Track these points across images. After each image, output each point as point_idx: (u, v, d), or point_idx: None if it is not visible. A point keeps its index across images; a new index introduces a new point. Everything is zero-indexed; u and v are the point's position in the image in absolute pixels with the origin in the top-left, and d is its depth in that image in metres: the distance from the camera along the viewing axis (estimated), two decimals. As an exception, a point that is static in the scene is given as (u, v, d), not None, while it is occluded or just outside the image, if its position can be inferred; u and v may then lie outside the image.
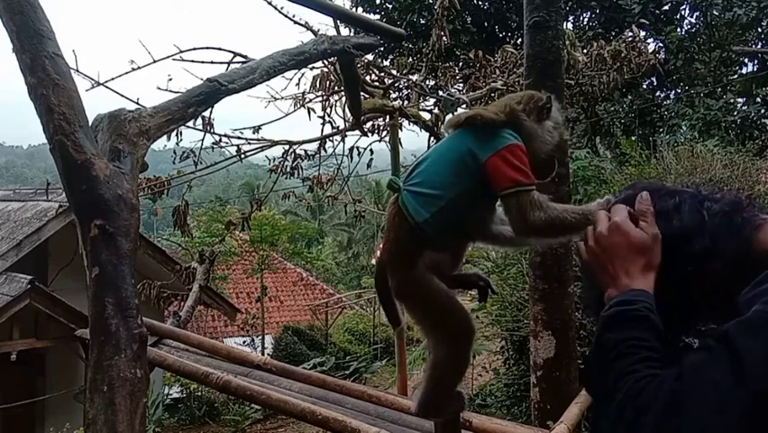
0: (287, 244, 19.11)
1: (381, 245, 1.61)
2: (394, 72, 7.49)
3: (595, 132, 11.62)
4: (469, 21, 12.74)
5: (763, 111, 11.28)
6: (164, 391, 12.43)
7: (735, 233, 1.05)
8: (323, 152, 6.72)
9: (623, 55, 7.36)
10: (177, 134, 5.92)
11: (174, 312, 6.87)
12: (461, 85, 7.52)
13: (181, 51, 5.25)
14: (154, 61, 5.10)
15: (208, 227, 16.19)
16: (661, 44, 11.70)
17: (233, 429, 12.18)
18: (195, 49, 5.33)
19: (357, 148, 6.82)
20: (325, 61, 5.51)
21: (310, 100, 6.40)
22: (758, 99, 11.53)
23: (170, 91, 4.93)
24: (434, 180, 1.43)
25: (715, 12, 11.76)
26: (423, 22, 11.99)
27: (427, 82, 7.26)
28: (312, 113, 6.40)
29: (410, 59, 8.66)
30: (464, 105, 6.20)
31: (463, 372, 1.63)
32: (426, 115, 6.80)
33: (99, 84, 5.07)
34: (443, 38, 6.16)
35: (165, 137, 2.26)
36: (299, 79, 6.24)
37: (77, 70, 4.29)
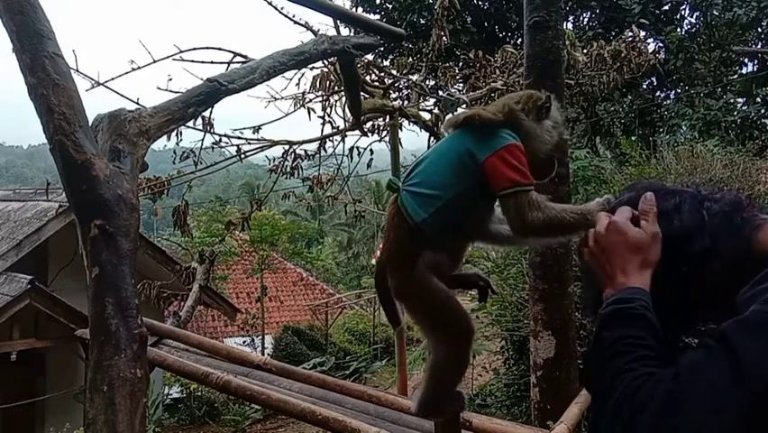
0: (287, 244, 19.11)
1: (381, 245, 1.61)
2: (394, 72, 7.49)
3: (595, 132, 11.62)
4: (469, 21, 12.74)
5: (763, 111, 11.28)
6: (164, 391, 12.44)
7: (734, 233, 1.05)
8: (323, 152, 6.73)
9: (623, 55, 7.36)
10: (177, 134, 5.92)
11: (174, 312, 6.87)
12: (461, 85, 7.52)
13: (181, 51, 5.25)
14: (154, 61, 5.10)
15: (208, 227, 16.19)
16: (661, 44, 11.70)
17: (233, 429, 12.18)
18: (195, 49, 5.33)
19: (357, 148, 6.83)
20: (325, 61, 5.51)
21: (310, 100, 6.40)
22: (758, 99, 11.52)
23: (170, 91, 4.93)
24: (433, 181, 1.43)
25: (715, 12, 11.76)
26: (423, 22, 11.99)
27: (427, 82, 7.26)
28: (312, 113, 6.40)
29: (410, 59, 8.66)
30: (464, 105, 6.20)
31: (463, 372, 1.63)
32: (426, 115, 6.80)
33: (99, 84, 5.07)
34: (443, 38, 6.16)
35: (165, 137, 2.26)
36: (299, 79, 6.25)
37: (77, 70, 4.29)
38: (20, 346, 8.99)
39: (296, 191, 7.94)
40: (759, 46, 12.32)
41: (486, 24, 13.28)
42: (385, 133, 6.59)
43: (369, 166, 7.21)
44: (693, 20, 12.66)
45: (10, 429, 9.88)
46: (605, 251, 1.11)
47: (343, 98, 5.76)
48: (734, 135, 10.39)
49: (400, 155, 6.41)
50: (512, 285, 6.53)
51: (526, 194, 1.36)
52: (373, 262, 18.92)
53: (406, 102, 7.17)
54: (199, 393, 12.64)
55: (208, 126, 6.05)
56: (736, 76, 12.35)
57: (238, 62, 5.26)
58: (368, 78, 6.41)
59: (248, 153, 6.52)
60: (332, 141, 6.63)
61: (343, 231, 28.56)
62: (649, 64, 7.87)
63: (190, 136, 7.24)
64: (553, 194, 3.41)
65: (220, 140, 6.34)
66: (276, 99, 6.43)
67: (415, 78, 7.36)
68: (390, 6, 13.01)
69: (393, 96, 7.08)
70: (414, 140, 7.53)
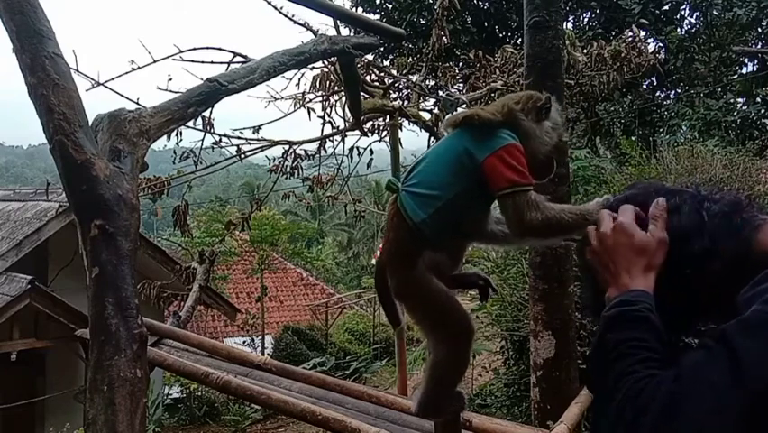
0: (287, 244, 19.11)
1: (381, 245, 1.61)
2: (394, 72, 7.49)
3: (595, 132, 11.62)
4: (469, 21, 12.74)
5: (763, 111, 11.29)
6: (164, 391, 12.44)
7: (734, 233, 1.05)
8: (323, 152, 6.73)
9: (623, 55, 7.37)
10: (177, 134, 5.92)
11: (174, 312, 6.87)
12: (461, 85, 7.53)
13: (181, 51, 5.25)
14: (154, 61, 5.10)
15: (208, 227, 16.19)
16: (661, 44, 11.70)
17: (233, 429, 12.18)
18: (195, 49, 5.34)
19: (357, 148, 6.83)
20: (325, 61, 5.52)
21: (310, 100, 6.41)
22: (758, 99, 11.53)
23: (170, 91, 4.94)
24: (432, 181, 1.43)
25: (715, 12, 11.76)
26: (423, 22, 11.99)
27: (427, 82, 7.26)
28: (312, 113, 6.41)
29: (410, 59, 8.67)
30: (464, 105, 6.20)
31: (463, 372, 1.63)
32: (426, 115, 6.80)
33: (99, 84, 5.07)
34: (443, 38, 6.16)
35: (165, 137, 2.26)
36: (299, 79, 6.26)
37: (77, 70, 4.29)
38: (20, 346, 8.99)
39: (296, 191, 7.94)
40: (759, 46, 12.32)
41: (486, 24, 13.28)
42: (385, 133, 6.59)
43: (369, 166, 7.21)
44: (693, 20, 12.67)
45: (10, 429, 9.88)
46: (609, 251, 1.10)
47: (343, 98, 5.76)
48: (734, 135, 10.40)
49: (400, 155, 6.41)
50: (512, 285, 6.53)
51: (525, 194, 1.36)
52: (373, 262, 18.91)
53: (406, 102, 7.17)
54: (199, 393, 12.64)
55: (208, 126, 6.06)
56: (736, 76, 12.35)
57: (238, 62, 5.26)
58: (368, 78, 6.41)
59: (248, 153, 6.52)
60: (332, 141, 6.63)
61: (343, 231, 28.56)
62: (649, 64, 7.87)
63: (190, 136, 7.25)
64: (553, 194, 3.41)
65: (220, 140, 6.34)
66: (276, 99, 6.44)
67: (415, 78, 7.36)
68: (390, 6, 13.01)
69: (393, 96, 7.08)
70: (414, 140, 7.54)
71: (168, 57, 5.17)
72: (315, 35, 3.55)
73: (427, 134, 6.68)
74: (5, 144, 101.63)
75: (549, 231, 1.38)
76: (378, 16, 12.45)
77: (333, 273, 25.93)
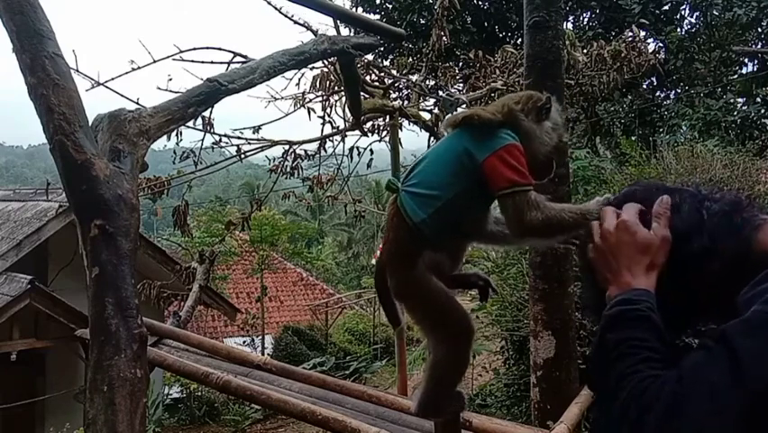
0: (287, 244, 19.11)
1: (381, 245, 1.61)
2: (394, 72, 7.49)
3: (595, 132, 11.62)
4: (469, 21, 12.74)
5: (763, 111, 11.29)
6: (164, 391, 12.44)
7: (734, 232, 1.05)
8: (323, 152, 6.73)
9: (623, 55, 7.37)
10: (177, 134, 5.92)
11: (174, 312, 6.87)
12: (461, 85, 7.53)
13: (181, 51, 5.25)
14: (154, 61, 5.10)
15: (208, 227, 16.19)
16: (661, 44, 11.70)
17: (233, 429, 12.18)
18: (195, 49, 5.34)
19: (357, 148, 6.83)
20: (325, 61, 5.52)
21: (310, 100, 6.41)
22: (758, 99, 11.53)
23: (170, 91, 4.94)
24: (432, 181, 1.43)
25: (715, 12, 11.76)
26: (423, 22, 12.00)
27: (427, 82, 7.26)
28: (312, 113, 6.41)
29: (410, 59, 8.67)
30: (464, 105, 6.20)
31: (463, 372, 1.63)
32: (426, 115, 6.80)
33: (99, 84, 5.07)
34: (443, 38, 6.16)
35: (165, 137, 2.26)
36: (299, 79, 6.26)
37: (77, 70, 4.29)
38: (20, 346, 8.99)
39: (296, 191, 7.94)
40: (759, 46, 12.33)
41: (486, 24, 13.29)
42: (385, 133, 6.60)
43: (369, 166, 7.21)
44: (693, 20, 12.67)
45: (10, 429, 9.88)
46: (611, 248, 1.09)
47: (343, 98, 5.76)
48: (734, 135, 10.40)
49: (400, 155, 6.41)
50: (512, 285, 6.53)
51: (525, 194, 1.36)
52: (373, 262, 18.90)
53: (406, 102, 7.17)
54: (199, 393, 12.64)
55: (208, 126, 6.06)
56: (736, 76, 12.35)
57: (238, 62, 5.26)
58: (368, 78, 6.41)
59: (248, 153, 6.52)
60: (332, 141, 6.63)
61: (343, 231, 28.56)
62: (649, 64, 7.87)
63: (190, 136, 7.24)
64: (553, 194, 3.40)
65: (220, 140, 6.34)
66: (276, 99, 6.44)
67: (415, 78, 7.36)
68: (390, 6, 13.01)
69: (393, 96, 7.08)
70: (414, 140, 7.54)
71: (168, 57, 5.17)
72: (315, 35, 3.55)
73: (427, 134, 6.68)
74: (5, 144, 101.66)
75: (549, 231, 1.37)
76: (378, 16, 12.45)
77: (333, 273, 25.93)
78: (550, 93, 1.56)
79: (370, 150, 6.92)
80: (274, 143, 6.49)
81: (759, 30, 12.35)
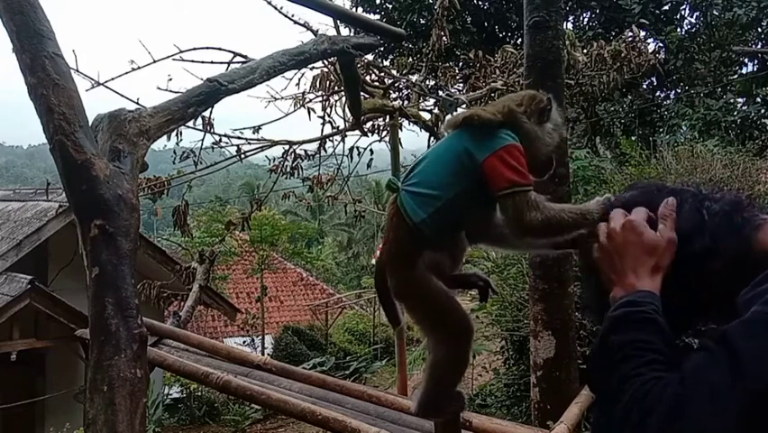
0: (287, 244, 19.11)
1: (381, 245, 1.61)
2: (394, 72, 7.49)
3: (595, 132, 11.62)
4: (469, 21, 12.74)
5: (763, 111, 11.29)
6: (164, 391, 12.44)
7: (735, 232, 1.04)
8: (323, 152, 6.73)
9: (623, 55, 7.37)
10: (177, 134, 5.92)
11: (174, 312, 6.87)
12: (461, 85, 7.53)
13: (181, 51, 5.25)
14: (154, 61, 5.10)
15: (208, 227, 16.19)
16: (661, 44, 11.70)
17: (233, 429, 12.18)
18: (195, 49, 5.33)
19: (357, 148, 6.83)
20: (325, 61, 5.52)
21: (310, 100, 6.41)
22: (758, 99, 11.53)
23: (170, 91, 4.93)
24: (432, 181, 1.43)
25: (715, 12, 11.77)
26: (423, 22, 12.00)
27: (427, 82, 7.26)
28: (312, 113, 6.41)
29: (410, 59, 8.67)
30: (464, 106, 6.20)
31: (463, 371, 1.63)
32: (426, 115, 6.80)
33: (99, 84, 5.07)
34: (443, 38, 6.16)
35: (165, 137, 2.26)
36: (299, 79, 6.25)
37: (77, 70, 4.29)
38: (20, 346, 8.99)
39: (296, 191, 7.94)
40: (759, 46, 12.33)
41: (486, 24, 13.29)
42: (385, 133, 6.59)
43: (369, 166, 7.21)
44: (693, 20, 12.68)
45: (10, 429, 9.88)
46: (618, 249, 1.08)
47: (343, 98, 5.76)
48: (734, 135, 10.40)
49: (400, 155, 6.41)
50: (512, 285, 6.53)
51: (525, 194, 1.36)
52: (373, 262, 18.90)
53: (406, 102, 7.17)
54: (199, 393, 12.65)
55: (208, 126, 6.06)
56: (736, 76, 12.36)
57: (238, 62, 5.26)
58: (368, 78, 6.41)
59: (248, 153, 6.52)
60: (332, 141, 6.63)
61: (343, 231, 28.57)
62: (649, 64, 7.87)
63: (190, 136, 7.24)
64: (553, 194, 3.40)
65: (220, 140, 6.34)
66: (276, 99, 6.44)
67: (415, 78, 7.36)
68: (390, 6, 13.01)
69: (393, 96, 7.08)
70: (414, 140, 7.54)
71: (168, 57, 5.17)
72: (315, 35, 3.55)
73: (427, 134, 6.68)
74: (5, 144, 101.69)
75: (549, 231, 1.37)
76: (378, 16, 12.45)
77: (333, 273, 25.93)
78: (550, 93, 1.56)
79: (370, 150, 6.93)
80: (274, 143, 6.49)
81: (759, 30, 12.36)
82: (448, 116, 5.96)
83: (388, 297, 1.53)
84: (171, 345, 3.68)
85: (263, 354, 7.78)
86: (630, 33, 7.87)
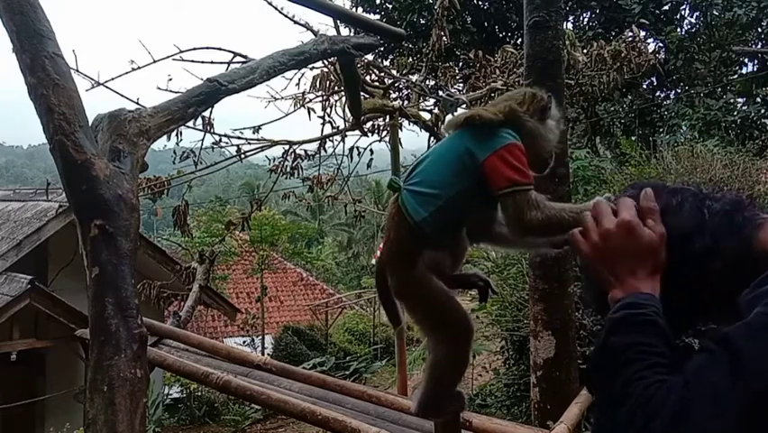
0: (287, 244, 19.11)
1: (382, 245, 1.61)
2: (394, 72, 7.49)
3: (595, 132, 11.63)
4: (469, 21, 12.74)
5: (763, 111, 11.29)
6: (164, 391, 12.44)
7: (735, 232, 1.04)
8: (323, 152, 6.73)
9: (623, 55, 7.37)
10: (177, 134, 5.92)
11: (174, 312, 6.88)
12: (461, 85, 7.53)
13: (181, 51, 5.25)
14: (154, 61, 5.10)
15: (208, 227, 16.19)
16: (661, 44, 11.70)
17: (233, 429, 12.18)
18: (195, 49, 5.34)
19: (357, 148, 6.83)
20: (325, 61, 5.51)
21: (310, 100, 6.41)
22: (758, 99, 11.53)
23: (170, 91, 4.93)
24: (433, 180, 1.43)
25: (715, 12, 11.77)
26: (423, 22, 12.00)
27: (427, 82, 7.26)
28: (312, 113, 6.41)
29: (410, 59, 8.67)
30: (464, 106, 6.20)
31: (463, 371, 1.63)
32: (426, 115, 6.80)
33: (99, 84, 5.07)
34: (443, 38, 6.16)
35: (165, 137, 2.26)
36: (299, 79, 6.25)
37: (77, 70, 4.29)
38: (20, 346, 8.99)
39: (296, 191, 7.94)
40: (759, 46, 12.33)
41: (486, 24, 13.29)
42: (385, 133, 6.59)
43: (369, 166, 7.21)
44: (693, 20, 12.68)
45: (10, 429, 9.88)
46: (615, 251, 1.06)
47: (343, 98, 5.76)
48: (734, 135, 10.40)
49: (400, 155, 6.41)
50: (512, 285, 6.54)
51: (525, 193, 1.36)
52: (373, 262, 18.91)
53: (406, 102, 7.17)
54: (199, 393, 12.64)
55: (208, 126, 6.06)
56: (736, 76, 12.36)
57: (238, 62, 5.26)
58: (368, 78, 6.41)
59: (248, 153, 6.52)
60: (332, 141, 6.63)
61: (343, 231, 28.57)
62: (649, 64, 7.88)
63: (190, 136, 7.24)
64: (553, 194, 3.40)
65: (220, 140, 6.34)
66: (276, 99, 6.44)
67: (415, 78, 7.36)
68: (390, 6, 13.01)
69: (393, 96, 7.08)
70: (414, 140, 7.54)
71: (168, 57, 5.17)
72: (315, 35, 3.54)
73: (427, 134, 6.68)
74: (5, 144, 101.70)
75: (549, 230, 1.37)
76: (378, 16, 12.45)
77: (333, 273, 25.93)
78: (550, 93, 1.56)
79: (370, 150, 6.93)
80: (274, 143, 6.49)
81: (759, 30, 12.36)
82: (449, 116, 5.96)
83: (388, 296, 1.53)
84: (171, 345, 3.69)
85: (263, 354, 7.78)
86: (630, 33, 7.87)
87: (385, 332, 15.62)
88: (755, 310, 0.87)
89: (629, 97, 11.98)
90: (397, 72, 7.67)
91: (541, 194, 1.39)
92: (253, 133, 6.39)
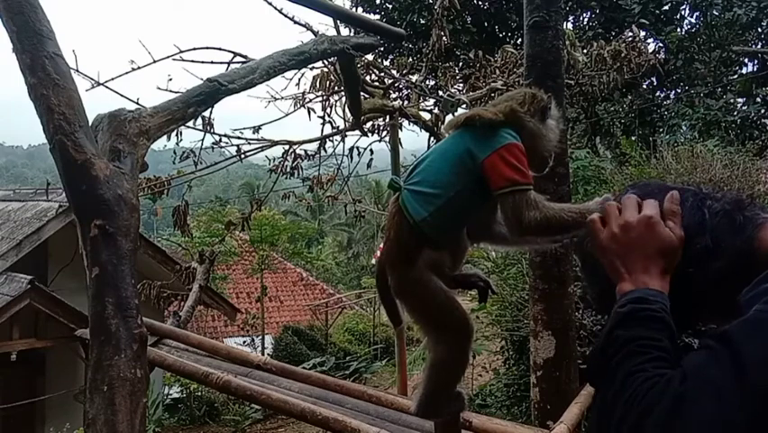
0: (287, 244, 19.12)
1: (382, 245, 1.61)
2: (394, 72, 7.49)
3: (595, 132, 11.63)
4: (469, 21, 12.74)
5: (763, 111, 11.30)
6: (164, 391, 12.44)
7: (736, 231, 1.04)
8: (323, 152, 6.73)
9: (623, 55, 7.37)
10: (177, 134, 5.92)
11: (174, 312, 6.87)
12: (461, 85, 7.52)
13: (181, 51, 5.25)
14: (154, 61, 5.09)
15: (208, 227, 16.19)
16: (661, 44, 11.70)
17: (232, 429, 12.18)
18: (195, 49, 5.33)
19: (357, 148, 6.83)
20: (325, 61, 5.52)
21: (310, 100, 6.41)
22: (758, 99, 11.53)
23: (170, 91, 4.93)
24: (433, 179, 1.43)
25: (715, 12, 11.77)
26: (423, 22, 11.99)
27: (427, 82, 7.26)
28: (312, 113, 6.41)
29: (410, 59, 8.67)
30: (464, 106, 6.20)
31: (463, 371, 1.63)
32: (426, 115, 6.80)
33: (99, 84, 5.07)
34: (443, 38, 6.16)
35: (165, 137, 2.26)
36: (299, 79, 6.25)
37: (77, 70, 4.29)
38: (20, 346, 9.00)
39: (296, 191, 7.94)
40: (759, 46, 12.32)
41: (486, 24, 13.28)
42: (385, 133, 6.60)
43: (369, 166, 7.21)
44: (693, 20, 12.67)
45: (10, 429, 9.88)
46: (633, 244, 1.05)
47: (343, 98, 5.76)
48: (734, 135, 10.40)
49: (400, 155, 6.42)
50: (512, 285, 6.53)
51: (524, 193, 1.36)
52: (373, 262, 18.91)
53: (406, 102, 7.17)
54: (199, 393, 12.64)
55: (208, 126, 6.06)
56: (736, 76, 12.35)
57: (238, 62, 5.26)
58: (368, 78, 6.41)
59: (248, 153, 6.52)
60: (332, 141, 6.63)
61: (343, 231, 28.57)
62: (649, 64, 7.88)
63: (190, 136, 7.26)
64: (553, 194, 3.41)
65: (220, 140, 6.34)
66: (276, 99, 6.44)
67: (415, 78, 7.36)
68: (390, 6, 13.01)
69: (393, 96, 7.08)
70: (414, 140, 7.54)
71: (168, 57, 5.16)
72: (315, 35, 3.55)
73: (427, 134, 6.68)
74: (5, 144, 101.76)
75: (549, 230, 1.37)
76: (378, 16, 12.45)
77: (333, 273, 25.94)
78: (550, 93, 1.56)
79: (370, 150, 6.93)
80: (274, 143, 6.49)
81: (759, 30, 12.35)
82: (449, 117, 5.97)
83: (388, 296, 1.53)
84: (171, 345, 3.69)
85: (263, 354, 7.78)
86: (630, 33, 7.87)
87: (385, 332, 15.62)
88: (755, 308, 0.87)
89: (629, 97, 11.98)
90: (397, 72, 7.66)
91: (540, 194, 1.39)
92: (253, 133, 6.40)
